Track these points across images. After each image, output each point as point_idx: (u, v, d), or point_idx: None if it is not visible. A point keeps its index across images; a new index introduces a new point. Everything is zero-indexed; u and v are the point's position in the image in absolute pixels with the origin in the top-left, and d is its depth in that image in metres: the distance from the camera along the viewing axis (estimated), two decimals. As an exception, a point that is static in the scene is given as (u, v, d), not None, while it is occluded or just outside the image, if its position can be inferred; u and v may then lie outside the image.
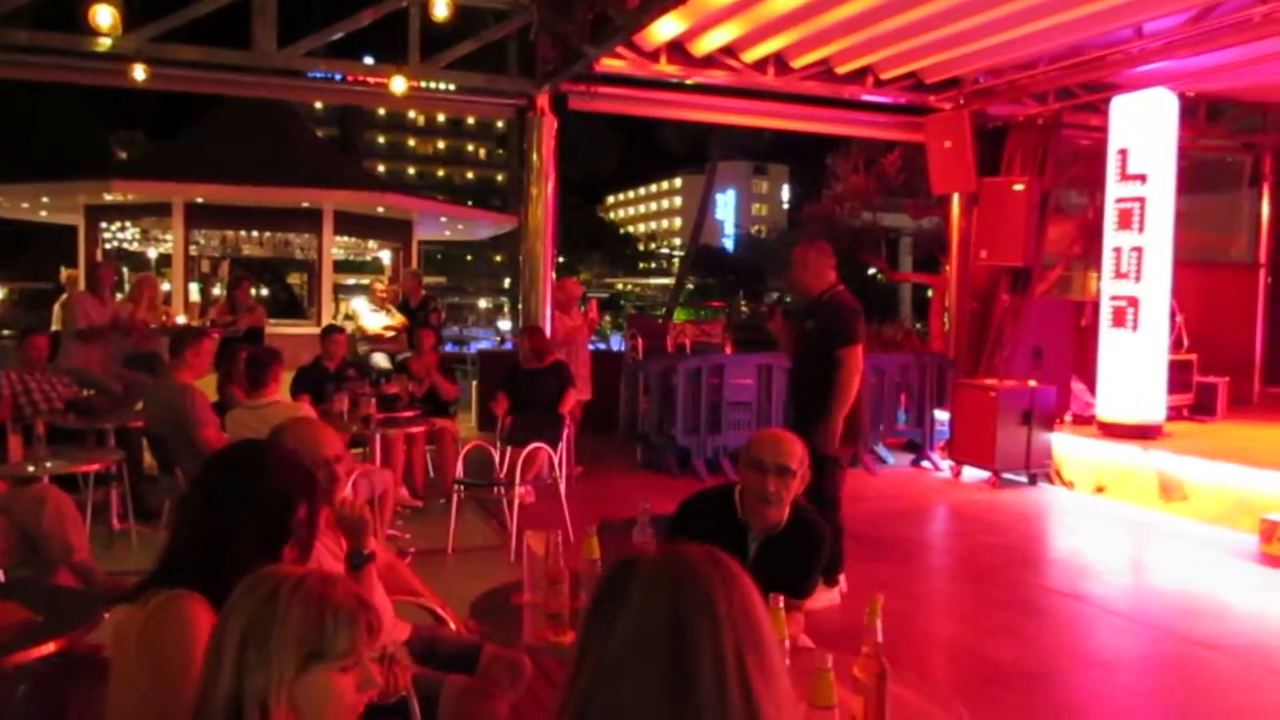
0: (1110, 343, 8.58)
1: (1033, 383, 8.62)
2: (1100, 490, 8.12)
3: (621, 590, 1.18)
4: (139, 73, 7.68)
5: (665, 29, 7.99)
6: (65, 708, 2.82)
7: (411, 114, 67.93)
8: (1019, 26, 7.72)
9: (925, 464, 9.34)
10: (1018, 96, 9.38)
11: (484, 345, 16.58)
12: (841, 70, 9.01)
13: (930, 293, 15.58)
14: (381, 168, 63.90)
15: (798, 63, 8.84)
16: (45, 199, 12.84)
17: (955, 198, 10.16)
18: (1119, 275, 8.49)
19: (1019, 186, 9.25)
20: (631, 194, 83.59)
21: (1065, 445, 8.54)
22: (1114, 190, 8.55)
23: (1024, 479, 8.50)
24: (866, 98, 9.53)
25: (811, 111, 9.89)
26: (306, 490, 2.15)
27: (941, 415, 9.40)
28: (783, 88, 9.10)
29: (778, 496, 2.88)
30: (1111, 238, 8.57)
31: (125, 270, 12.22)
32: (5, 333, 8.34)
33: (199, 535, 2.05)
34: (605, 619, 1.17)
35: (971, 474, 8.70)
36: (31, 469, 4.97)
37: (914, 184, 12.60)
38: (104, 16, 7.04)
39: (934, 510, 7.90)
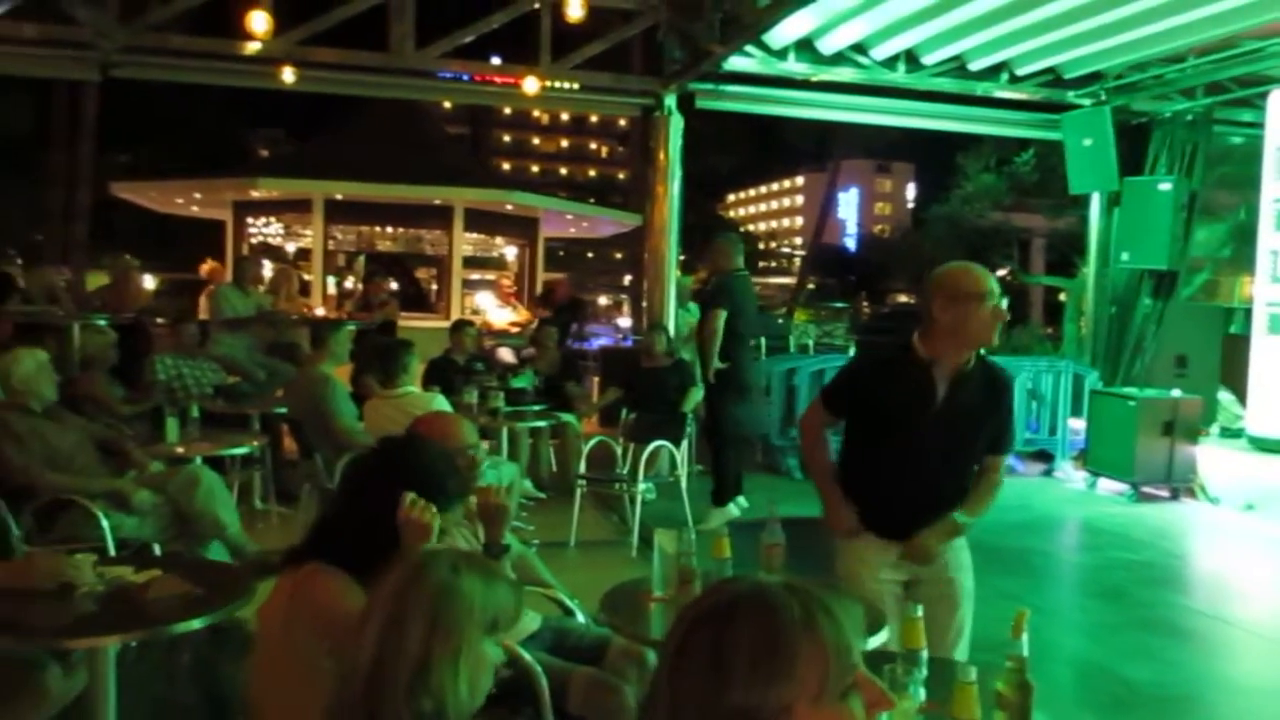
0: (1265, 351, 8.11)
1: (1176, 392, 8.22)
2: (1250, 508, 7.69)
3: None
4: (288, 75, 8.01)
5: (794, 26, 7.90)
6: (217, 675, 2.99)
7: (535, 112, 69.03)
8: (1166, 19, 7.35)
9: (1057, 475, 9.00)
10: (1164, 92, 8.96)
11: (604, 342, 16.72)
12: (975, 66, 8.76)
13: (1063, 296, 15.04)
14: (506, 165, 65.17)
15: (929, 59, 8.63)
16: (197, 195, 13.56)
17: (1094, 198, 9.77)
18: (1277, 279, 8.03)
19: (1165, 186, 8.83)
20: (752, 192, 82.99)
21: (1211, 459, 8.11)
22: (1272, 189, 8.08)
23: (1165, 493, 8.10)
24: (1000, 94, 9.23)
25: (942, 109, 9.65)
26: (453, 477, 2.25)
27: (1076, 424, 9.06)
28: (913, 85, 8.91)
29: (998, 317, 2.84)
30: (1269, 239, 8.11)
31: (267, 263, 12.78)
32: (158, 321, 8.78)
33: (353, 514, 2.16)
34: None
35: (1108, 486, 8.33)
36: (182, 450, 5.25)
37: (1048, 183, 12.17)
38: (259, 22, 7.36)
39: (1066, 523, 7.61)
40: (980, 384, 2.94)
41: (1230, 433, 8.59)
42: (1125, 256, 9.17)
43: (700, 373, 6.80)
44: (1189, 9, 7.12)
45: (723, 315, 6.54)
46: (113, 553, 3.96)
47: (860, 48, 8.50)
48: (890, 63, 8.64)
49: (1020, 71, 8.87)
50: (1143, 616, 5.30)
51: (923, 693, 1.96)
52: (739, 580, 1.18)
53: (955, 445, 2.95)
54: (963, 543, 3.09)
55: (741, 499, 6.82)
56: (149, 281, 17.76)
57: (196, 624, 2.59)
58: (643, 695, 1.23)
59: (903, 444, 2.93)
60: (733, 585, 1.16)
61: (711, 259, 7.05)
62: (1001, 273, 21.17)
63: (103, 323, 7.51)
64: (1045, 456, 9.21)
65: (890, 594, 2.95)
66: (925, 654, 2.07)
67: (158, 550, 4.29)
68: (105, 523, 4.13)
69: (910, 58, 8.64)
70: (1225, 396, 8.86)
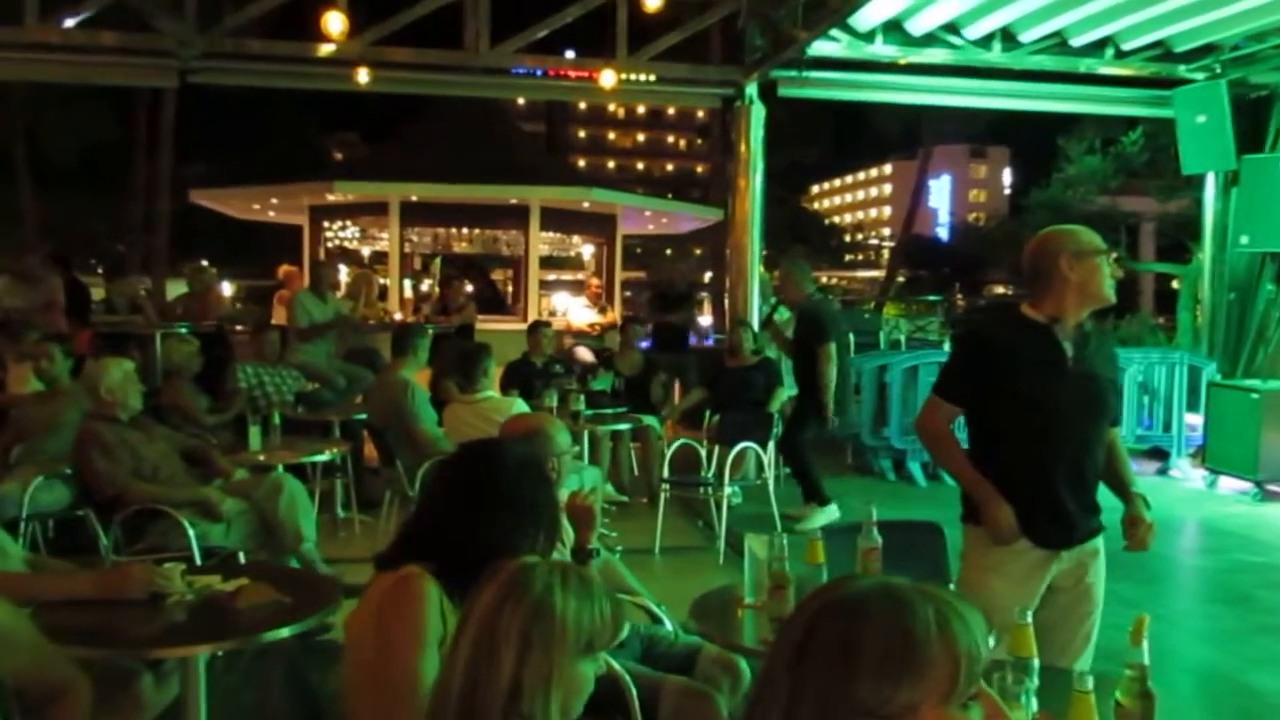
0: (1402, 339, 7.53)
1: (1304, 383, 7.68)
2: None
3: None
4: (363, 76, 8.03)
5: (882, 7, 7.61)
6: (308, 684, 2.91)
7: (611, 107, 69.20)
8: (1283, -15, 6.85)
9: (1173, 473, 8.54)
10: (1286, 62, 8.38)
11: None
12: (1077, 42, 8.33)
13: (1176, 284, 14.36)
14: (582, 162, 65.31)
15: (1027, 36, 8.23)
16: (274, 200, 13.71)
17: (1210, 178, 9.24)
18: None
19: (1288, 163, 8.27)
20: (837, 182, 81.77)
21: (1344, 455, 7.55)
22: None
23: (1294, 492, 7.60)
24: (1105, 71, 8.75)
25: (1042, 88, 9.21)
26: (541, 483, 2.25)
27: (1192, 419, 8.55)
28: (1010, 64, 8.50)
29: (1116, 274, 2.86)
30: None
31: (343, 268, 12.88)
32: (239, 329, 8.85)
33: (448, 520, 2.14)
34: None
35: (1229, 485, 7.88)
36: (265, 458, 5.21)
37: (1159, 164, 11.59)
38: (335, 23, 7.39)
39: (1183, 524, 7.16)
40: (1096, 342, 2.91)
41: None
42: (1245, 239, 8.67)
43: (820, 408, 6.64)
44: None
45: (834, 348, 6.64)
46: (199, 561, 3.97)
47: (952, 27, 8.15)
48: (985, 42, 8.28)
49: (1126, 46, 8.41)
50: (1270, 622, 5.03)
51: (1035, 703, 1.85)
52: (864, 577, 1.19)
53: (1093, 411, 2.85)
54: (1102, 547, 2.97)
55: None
56: (227, 288, 18.11)
57: (286, 632, 2.61)
58: (753, 685, 1.22)
59: (1044, 418, 2.80)
60: (859, 581, 1.17)
61: (783, 292, 7.14)
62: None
63: (184, 331, 7.57)
64: (1159, 454, 8.76)
65: (1029, 604, 2.71)
66: (1036, 662, 1.95)
67: (242, 558, 4.31)
68: (191, 532, 4.14)
69: (1006, 35, 8.27)
70: (1358, 388, 8.25)
